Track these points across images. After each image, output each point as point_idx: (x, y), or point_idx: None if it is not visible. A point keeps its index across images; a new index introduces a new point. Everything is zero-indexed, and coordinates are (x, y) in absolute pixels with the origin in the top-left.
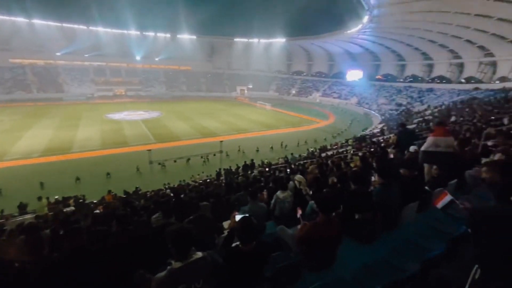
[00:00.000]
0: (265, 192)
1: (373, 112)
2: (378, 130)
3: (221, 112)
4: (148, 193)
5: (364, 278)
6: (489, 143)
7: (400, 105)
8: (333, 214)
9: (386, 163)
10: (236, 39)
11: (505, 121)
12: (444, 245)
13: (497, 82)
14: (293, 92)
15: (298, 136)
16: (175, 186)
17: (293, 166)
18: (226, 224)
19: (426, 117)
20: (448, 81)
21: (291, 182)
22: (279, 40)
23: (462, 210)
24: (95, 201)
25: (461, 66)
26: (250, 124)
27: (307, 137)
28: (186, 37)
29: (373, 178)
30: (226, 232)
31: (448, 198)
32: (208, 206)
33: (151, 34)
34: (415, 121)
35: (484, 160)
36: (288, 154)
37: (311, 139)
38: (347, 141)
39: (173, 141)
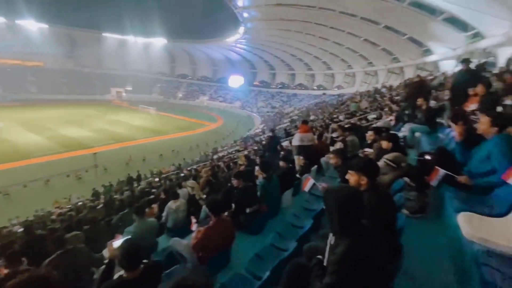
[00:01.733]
0: (155, 206)
1: (254, 114)
2: (260, 130)
3: (92, 119)
4: None
5: (256, 267)
6: (334, 135)
7: (274, 107)
8: (225, 214)
9: (266, 159)
10: (106, 34)
11: (341, 118)
12: (312, 221)
13: (336, 89)
14: (180, 95)
15: (189, 140)
16: (28, 219)
17: (185, 171)
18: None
19: (293, 117)
20: (306, 88)
21: (183, 189)
22: (160, 41)
23: (321, 189)
24: None
25: (313, 76)
26: (133, 131)
27: (199, 140)
28: (32, 24)
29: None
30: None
31: (311, 182)
32: (80, 236)
33: None
34: (285, 121)
35: (331, 148)
36: (180, 160)
37: (203, 142)
38: (235, 141)
39: (19, 160)
